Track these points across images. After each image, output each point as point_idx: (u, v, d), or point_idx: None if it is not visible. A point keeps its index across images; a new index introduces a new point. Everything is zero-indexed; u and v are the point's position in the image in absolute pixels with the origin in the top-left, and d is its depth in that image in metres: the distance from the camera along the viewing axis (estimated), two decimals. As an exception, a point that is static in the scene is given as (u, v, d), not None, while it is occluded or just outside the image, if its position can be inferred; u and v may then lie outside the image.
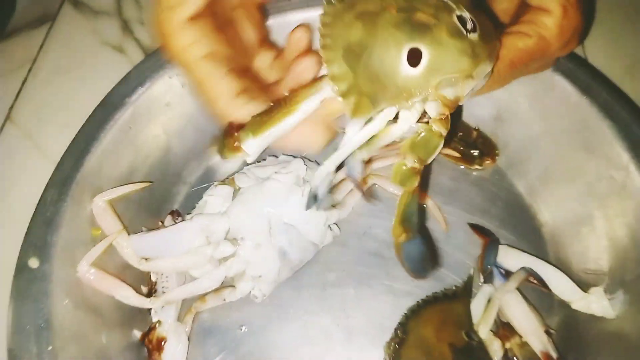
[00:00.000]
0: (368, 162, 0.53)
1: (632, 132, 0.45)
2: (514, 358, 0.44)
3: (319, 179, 0.36)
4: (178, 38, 0.35)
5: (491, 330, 0.44)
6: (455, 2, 0.32)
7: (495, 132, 0.55)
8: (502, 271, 0.47)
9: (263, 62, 0.43)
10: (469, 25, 0.32)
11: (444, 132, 0.32)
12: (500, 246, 0.49)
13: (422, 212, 0.43)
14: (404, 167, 0.32)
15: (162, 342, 0.45)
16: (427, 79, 0.31)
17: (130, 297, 0.45)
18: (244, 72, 0.38)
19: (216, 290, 0.47)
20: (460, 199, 0.53)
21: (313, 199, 0.37)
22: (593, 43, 0.62)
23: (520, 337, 0.44)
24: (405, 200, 0.33)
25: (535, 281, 0.46)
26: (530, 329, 0.44)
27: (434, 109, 0.31)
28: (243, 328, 0.48)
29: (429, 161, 0.32)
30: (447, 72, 0.31)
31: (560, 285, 0.45)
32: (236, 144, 0.35)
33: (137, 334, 0.47)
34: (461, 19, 0.31)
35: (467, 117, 0.56)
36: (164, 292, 0.46)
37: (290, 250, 0.47)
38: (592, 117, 0.47)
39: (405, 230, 0.33)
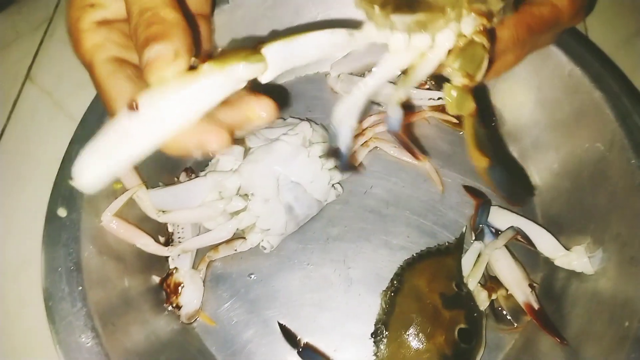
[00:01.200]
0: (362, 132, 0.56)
1: (621, 102, 0.48)
2: (499, 308, 0.49)
3: (343, 115, 0.33)
4: (85, 38, 0.35)
5: (479, 283, 0.48)
6: None
7: (492, 99, 0.58)
8: (492, 230, 0.51)
9: None
10: None
11: (487, 44, 0.29)
12: (491, 207, 0.52)
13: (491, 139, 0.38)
14: (454, 91, 0.29)
15: (179, 287, 0.50)
16: None
17: (150, 245, 0.49)
18: None
19: (228, 241, 0.51)
20: (456, 162, 0.57)
21: (334, 153, 0.34)
22: (592, 15, 0.64)
23: (506, 289, 0.48)
24: (470, 124, 0.31)
25: (522, 239, 0.50)
26: (515, 282, 0.48)
27: (470, 25, 0.29)
28: (252, 276, 0.52)
29: (479, 77, 0.30)
30: None
31: (545, 243, 0.49)
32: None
33: (156, 279, 0.51)
34: None
35: (467, 85, 0.59)
36: (180, 242, 0.51)
37: (297, 206, 0.51)
38: (584, 87, 0.49)
39: (484, 154, 0.31)
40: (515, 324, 0.48)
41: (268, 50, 0.28)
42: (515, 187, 0.35)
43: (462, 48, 0.29)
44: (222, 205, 0.49)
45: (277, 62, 0.29)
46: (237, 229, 0.50)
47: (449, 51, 0.30)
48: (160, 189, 0.50)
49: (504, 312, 0.48)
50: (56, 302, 0.42)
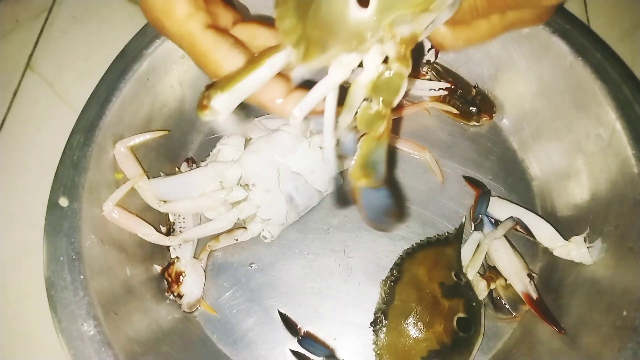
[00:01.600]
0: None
1: (622, 92, 0.48)
2: (498, 297, 0.49)
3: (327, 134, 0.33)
4: (177, 8, 0.34)
5: (478, 273, 0.49)
6: None
7: (493, 90, 0.58)
8: (492, 220, 0.51)
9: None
10: None
11: (405, 72, 0.29)
12: (491, 197, 0.52)
13: (391, 162, 0.39)
14: (369, 111, 0.30)
15: (181, 276, 0.50)
16: (379, 19, 0.28)
17: (151, 235, 0.49)
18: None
19: (229, 230, 0.52)
20: (456, 153, 0.57)
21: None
22: (595, 5, 0.64)
23: (505, 279, 0.49)
24: (369, 144, 0.30)
25: (521, 229, 0.50)
26: (514, 272, 0.48)
27: (392, 49, 0.29)
28: (253, 265, 0.53)
29: (395, 103, 0.30)
30: (400, 8, 0.28)
31: (544, 233, 0.49)
32: (205, 101, 0.33)
33: (158, 268, 0.51)
34: None
35: (467, 75, 0.59)
36: (181, 232, 0.51)
37: (297, 196, 0.51)
38: (585, 77, 0.49)
39: (365, 175, 0.31)
40: (514, 314, 0.49)
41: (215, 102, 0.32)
42: (384, 213, 0.34)
43: (379, 76, 0.29)
44: (223, 195, 0.49)
45: (227, 107, 0.33)
46: (238, 219, 0.50)
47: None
48: (162, 179, 0.51)
49: (503, 302, 0.49)
50: (58, 291, 0.42)
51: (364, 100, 0.30)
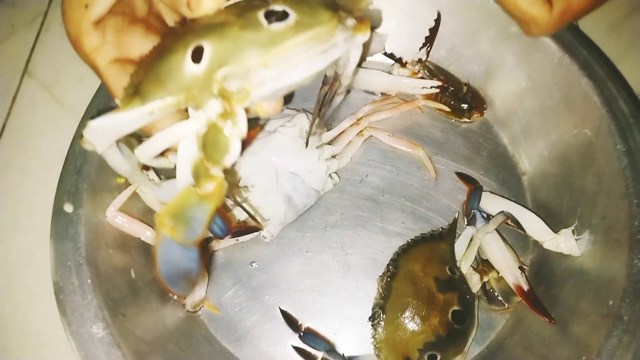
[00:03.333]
0: (356, 122, 0.57)
1: (607, 88, 0.49)
2: (491, 290, 0.51)
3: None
4: (85, 41, 0.36)
5: (471, 267, 0.51)
6: None
7: (484, 87, 0.59)
8: (484, 215, 0.53)
9: None
10: (278, 15, 0.29)
11: (235, 131, 0.28)
12: (483, 192, 0.54)
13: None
14: (201, 165, 0.29)
15: (183, 276, 0.52)
16: (210, 75, 0.28)
17: (153, 238, 0.51)
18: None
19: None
20: (449, 149, 0.58)
21: None
22: (582, 0, 0.65)
23: (497, 272, 0.51)
24: (189, 197, 0.29)
25: (512, 223, 0.52)
26: (506, 265, 0.50)
27: (217, 105, 0.29)
28: (254, 264, 0.54)
29: (228, 164, 0.28)
30: (230, 65, 0.28)
31: (534, 227, 0.51)
32: (82, 130, 0.34)
33: (162, 270, 0.53)
34: (269, 12, 0.29)
35: (458, 73, 0.60)
36: (183, 233, 0.52)
37: (295, 196, 0.52)
38: (572, 74, 0.51)
39: (172, 226, 0.29)
40: (506, 305, 0.50)
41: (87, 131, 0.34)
42: (182, 278, 0.33)
43: (204, 136, 0.29)
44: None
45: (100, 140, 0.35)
46: (239, 220, 0.52)
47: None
48: (163, 182, 0.52)
49: (496, 294, 0.51)
50: (67, 295, 0.44)
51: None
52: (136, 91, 0.31)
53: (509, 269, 0.49)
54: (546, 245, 0.50)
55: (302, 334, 0.50)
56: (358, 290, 0.52)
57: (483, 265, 0.51)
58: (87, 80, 0.55)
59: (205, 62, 0.28)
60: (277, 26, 0.29)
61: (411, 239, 0.52)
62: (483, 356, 0.50)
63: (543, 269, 0.52)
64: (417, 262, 0.49)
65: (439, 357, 0.46)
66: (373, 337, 0.48)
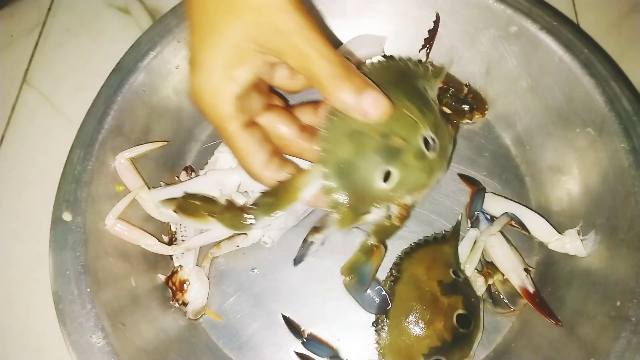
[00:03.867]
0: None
1: (610, 87, 0.49)
2: (496, 292, 0.50)
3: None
4: (222, 109, 0.37)
5: (476, 269, 0.50)
6: (424, 119, 0.41)
7: (484, 87, 0.59)
8: (488, 216, 0.52)
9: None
10: (431, 144, 0.41)
11: (401, 224, 0.42)
12: (486, 194, 0.53)
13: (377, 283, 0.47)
14: (368, 243, 0.42)
15: (184, 284, 0.51)
16: (394, 192, 0.40)
17: (154, 246, 0.50)
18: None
19: (230, 237, 0.53)
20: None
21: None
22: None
23: (502, 274, 0.50)
24: (359, 257, 0.42)
25: (516, 225, 0.51)
26: (511, 267, 0.49)
27: (395, 210, 0.41)
28: (255, 270, 0.54)
29: (385, 241, 0.43)
30: (409, 187, 0.40)
31: (539, 228, 0.50)
32: (249, 221, 0.40)
33: (162, 277, 0.52)
34: (425, 141, 0.41)
35: (459, 74, 0.59)
36: (183, 241, 0.52)
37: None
38: (573, 73, 0.50)
39: (350, 275, 0.42)
40: (512, 308, 0.50)
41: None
42: (373, 306, 0.46)
43: (382, 225, 0.42)
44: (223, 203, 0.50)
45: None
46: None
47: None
48: (162, 189, 0.52)
49: (501, 296, 0.50)
50: (66, 305, 0.43)
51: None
52: (337, 205, 0.40)
53: (514, 271, 0.49)
54: (551, 247, 0.50)
55: (305, 340, 0.50)
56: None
57: (487, 267, 0.50)
58: (85, 88, 0.55)
59: (392, 184, 0.40)
60: (432, 155, 0.41)
61: (414, 242, 0.51)
62: None
63: (549, 270, 0.51)
64: (421, 265, 0.48)
65: (444, 362, 0.45)
66: (377, 342, 0.47)
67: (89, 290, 0.44)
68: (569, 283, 0.49)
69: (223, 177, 0.51)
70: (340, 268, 0.43)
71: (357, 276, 0.43)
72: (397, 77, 0.44)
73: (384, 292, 0.46)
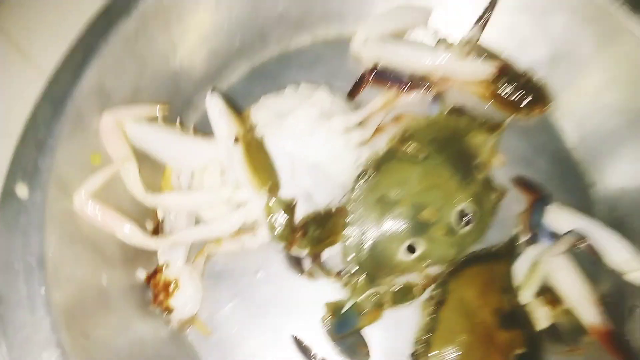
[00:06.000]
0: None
1: None
2: (555, 325, 0.41)
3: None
4: None
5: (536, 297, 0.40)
6: (464, 190, 0.40)
7: (548, 77, 0.49)
8: (549, 232, 0.43)
9: None
10: (466, 218, 0.40)
11: (420, 295, 0.40)
12: (548, 205, 0.44)
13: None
14: (379, 298, 0.40)
15: (171, 286, 0.41)
16: (418, 264, 0.40)
17: (134, 237, 0.40)
18: None
19: (234, 234, 0.43)
20: (503, 149, 0.47)
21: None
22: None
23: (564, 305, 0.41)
24: (356, 309, 0.40)
25: (585, 246, 0.42)
26: (580, 298, 0.40)
27: (418, 279, 0.40)
28: (259, 273, 0.44)
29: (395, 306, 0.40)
30: (435, 260, 0.40)
31: (616, 252, 0.41)
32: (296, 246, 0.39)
33: (142, 274, 0.42)
34: (461, 214, 0.40)
35: (518, 59, 0.50)
36: (171, 232, 0.41)
37: (316, 193, 0.42)
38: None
39: (332, 314, 0.40)
40: (573, 345, 0.41)
41: None
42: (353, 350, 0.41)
43: (400, 291, 0.41)
44: (228, 193, 0.40)
45: None
46: (243, 224, 0.41)
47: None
48: (151, 126, 0.41)
49: (562, 330, 0.41)
50: (10, 309, 0.33)
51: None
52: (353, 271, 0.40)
53: (584, 304, 0.39)
54: (629, 278, 0.40)
55: None
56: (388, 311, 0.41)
57: (549, 295, 0.41)
58: (64, 35, 0.44)
59: (416, 256, 0.40)
60: (466, 229, 0.40)
61: (462, 258, 0.41)
62: None
63: (620, 306, 0.42)
64: (471, 288, 0.39)
65: (496, 414, 0.36)
66: None
67: (43, 289, 0.34)
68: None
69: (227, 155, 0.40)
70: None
71: (338, 321, 0.40)
72: (444, 138, 0.42)
73: (363, 341, 0.41)
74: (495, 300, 0.38)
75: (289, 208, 0.39)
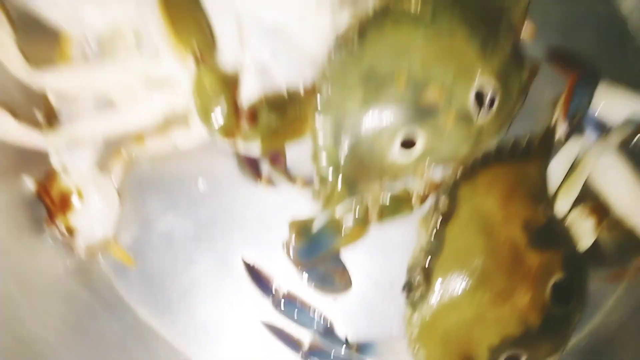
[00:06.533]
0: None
1: None
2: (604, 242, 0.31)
3: None
4: None
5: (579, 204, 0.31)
6: (485, 61, 0.29)
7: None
8: (598, 121, 0.32)
9: None
10: (487, 101, 0.29)
11: (419, 206, 0.31)
12: (597, 84, 0.33)
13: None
14: (361, 209, 0.31)
15: (71, 198, 0.30)
16: (417, 164, 0.30)
17: (11, 129, 0.28)
18: None
19: (160, 128, 0.31)
20: (533, 14, 0.35)
21: None
22: None
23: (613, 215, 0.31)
24: (331, 224, 0.30)
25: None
26: (636, 205, 0.30)
27: (417, 186, 0.31)
28: (201, 182, 0.34)
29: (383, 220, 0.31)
30: (440, 160, 0.30)
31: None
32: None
33: (31, 184, 0.31)
34: (479, 94, 0.29)
35: None
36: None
37: (276, 67, 0.31)
38: None
39: (299, 236, 0.31)
40: (624, 267, 0.32)
41: None
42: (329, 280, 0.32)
43: (394, 199, 0.31)
44: (141, 65, 0.28)
45: None
46: (174, 111, 0.30)
47: None
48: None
49: (605, 250, 0.31)
50: None
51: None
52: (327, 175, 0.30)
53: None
54: None
55: (279, 302, 0.32)
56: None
57: (595, 203, 0.31)
58: None
59: (416, 152, 0.29)
60: (485, 117, 0.30)
61: (479, 156, 0.30)
62: (580, 351, 0.32)
63: None
64: (492, 196, 0.28)
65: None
66: (407, 320, 0.28)
67: None
68: None
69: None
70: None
71: (307, 243, 0.31)
72: None
73: (342, 267, 0.32)
74: (524, 211, 0.28)
75: (230, 82, 0.27)
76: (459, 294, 0.27)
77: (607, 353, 0.31)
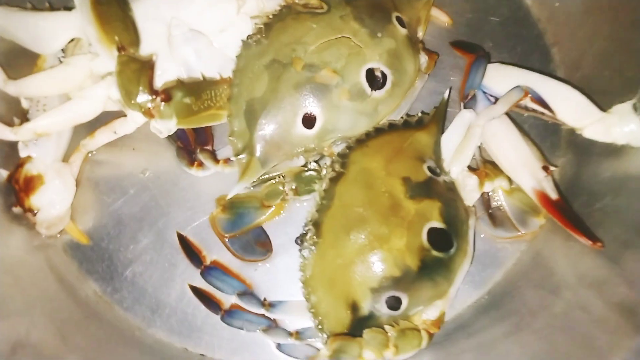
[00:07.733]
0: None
1: None
2: (499, 207, 0.33)
3: None
4: None
5: (469, 168, 0.32)
6: (374, 45, 0.32)
7: None
8: (490, 96, 0.35)
9: None
10: (378, 78, 0.33)
11: (323, 185, 0.32)
12: (489, 64, 0.35)
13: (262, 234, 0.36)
14: (279, 187, 0.33)
15: (33, 182, 0.35)
16: (321, 140, 0.33)
17: (-10, 129, 0.34)
18: None
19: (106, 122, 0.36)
20: (447, 6, 0.39)
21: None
22: None
23: (509, 179, 0.32)
24: (252, 200, 0.34)
25: (534, 105, 0.33)
26: (521, 163, 0.32)
27: (327, 162, 0.34)
28: (147, 173, 0.38)
29: (299, 196, 0.33)
30: (342, 134, 0.33)
31: (570, 106, 0.33)
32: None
33: (3, 173, 0.36)
34: (370, 73, 0.32)
35: None
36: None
37: (198, 64, 0.35)
38: None
39: (225, 210, 0.34)
40: (522, 230, 0.33)
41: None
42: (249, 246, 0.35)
43: (309, 177, 0.33)
44: (84, 63, 0.34)
45: None
46: (112, 99, 0.34)
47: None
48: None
49: (506, 213, 0.33)
50: None
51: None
52: (242, 151, 0.33)
53: (525, 169, 0.31)
54: (588, 134, 0.32)
55: (205, 269, 0.35)
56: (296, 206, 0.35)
57: (487, 166, 0.33)
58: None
59: (317, 130, 0.32)
60: (379, 94, 0.33)
61: (373, 128, 0.33)
62: (482, 305, 0.33)
63: (581, 175, 0.34)
64: (378, 157, 0.31)
65: (405, 302, 0.29)
66: (302, 270, 0.31)
67: None
68: (612, 193, 0.32)
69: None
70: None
71: (232, 217, 0.34)
72: None
73: (263, 237, 0.35)
74: (406, 167, 0.30)
75: (144, 66, 0.31)
76: (342, 240, 0.29)
77: (507, 305, 0.32)
